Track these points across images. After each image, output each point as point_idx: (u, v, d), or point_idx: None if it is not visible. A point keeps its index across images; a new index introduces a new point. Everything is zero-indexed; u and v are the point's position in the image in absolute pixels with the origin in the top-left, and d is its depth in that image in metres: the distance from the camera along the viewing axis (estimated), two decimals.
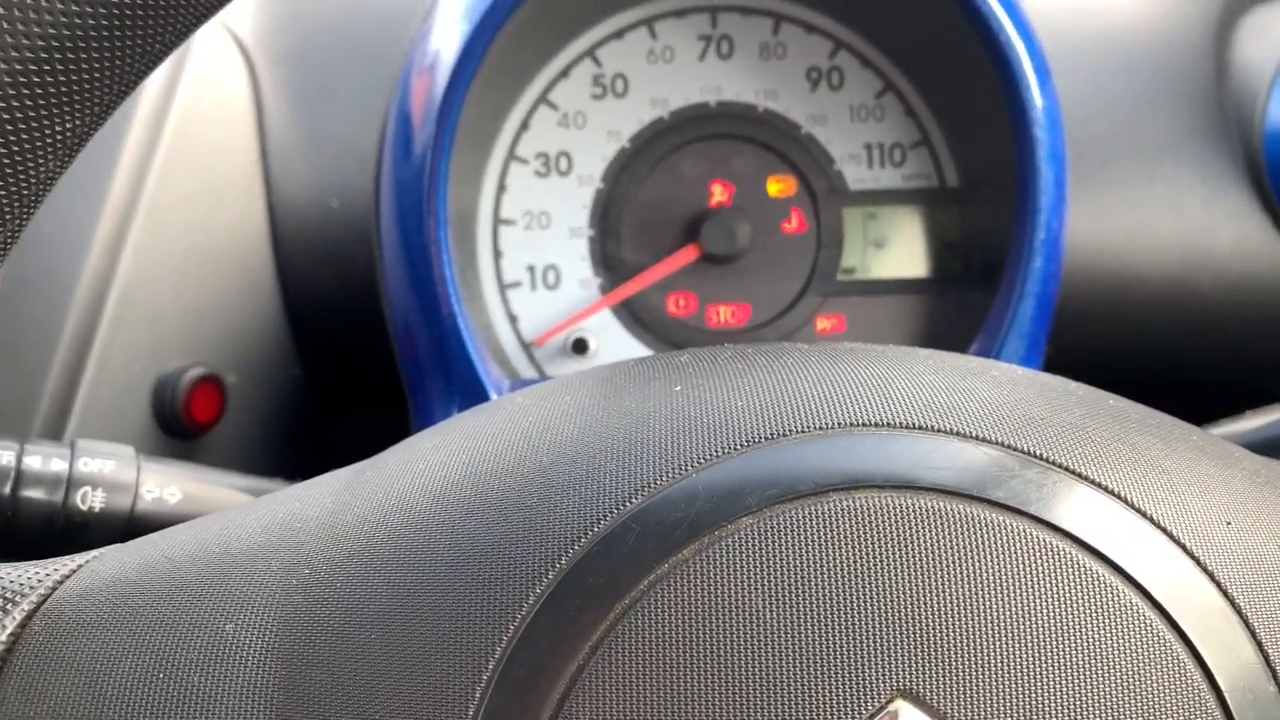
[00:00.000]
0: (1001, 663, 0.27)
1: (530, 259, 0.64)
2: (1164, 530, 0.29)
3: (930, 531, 0.28)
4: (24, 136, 0.29)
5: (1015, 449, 0.30)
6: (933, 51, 0.63)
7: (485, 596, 0.28)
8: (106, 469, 0.49)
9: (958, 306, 0.64)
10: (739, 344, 0.36)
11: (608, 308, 0.64)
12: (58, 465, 0.48)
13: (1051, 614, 0.27)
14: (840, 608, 0.27)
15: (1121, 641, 0.27)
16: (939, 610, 0.27)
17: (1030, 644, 0.27)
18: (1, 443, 0.48)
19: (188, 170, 0.68)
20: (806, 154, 0.65)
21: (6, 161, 0.29)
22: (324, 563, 0.30)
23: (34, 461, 0.48)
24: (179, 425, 0.65)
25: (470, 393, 0.59)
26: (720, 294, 0.65)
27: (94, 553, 0.34)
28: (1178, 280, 0.71)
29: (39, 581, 0.32)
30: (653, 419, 0.31)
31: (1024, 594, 0.27)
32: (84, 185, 0.64)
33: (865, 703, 0.27)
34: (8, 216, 0.30)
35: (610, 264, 0.65)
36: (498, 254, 0.64)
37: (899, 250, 0.65)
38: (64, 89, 0.29)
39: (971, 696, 0.27)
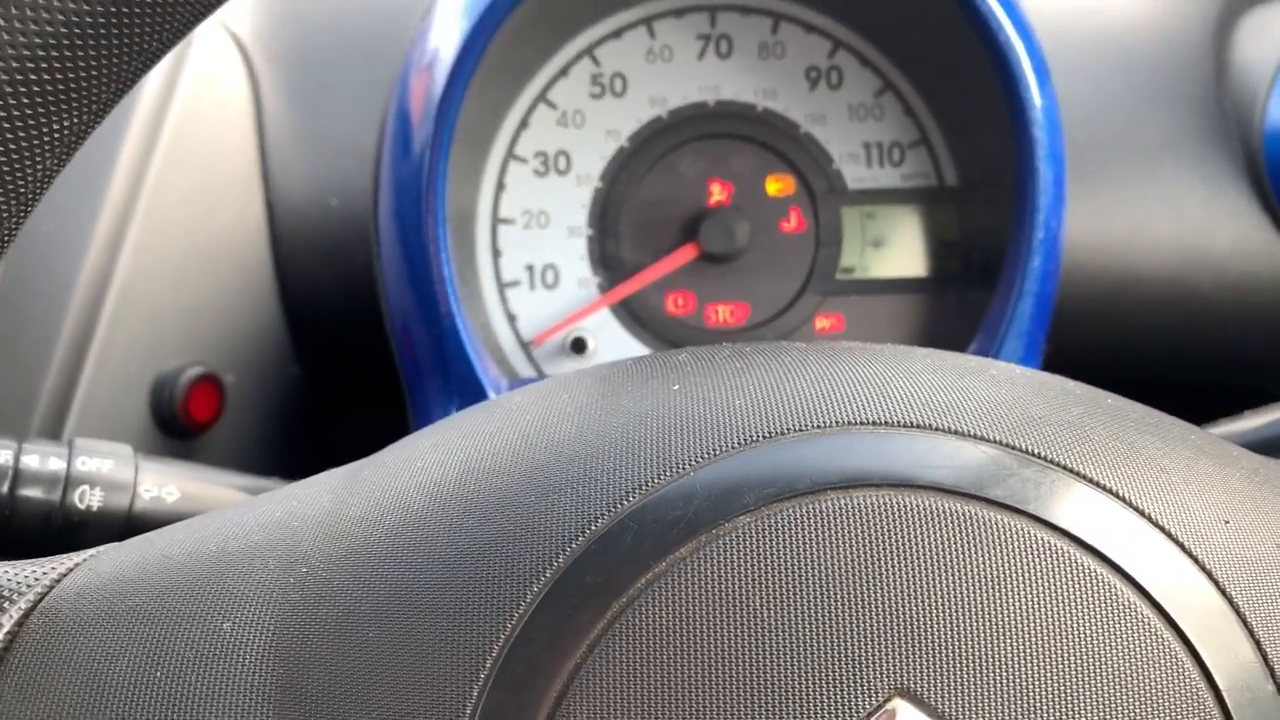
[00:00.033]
0: (999, 662, 0.27)
1: (529, 258, 0.64)
2: (1162, 529, 0.29)
3: (928, 530, 0.28)
4: (21, 134, 0.29)
5: (1013, 448, 0.30)
6: (932, 51, 0.63)
7: (483, 595, 0.28)
8: (104, 468, 0.49)
9: (956, 306, 0.64)
10: (737, 343, 0.36)
11: (606, 307, 0.64)
12: (55, 464, 0.48)
13: (1049, 613, 0.27)
14: (838, 606, 0.27)
15: (1119, 640, 0.27)
16: (937, 609, 0.27)
17: (1028, 643, 0.27)
18: None
19: (186, 169, 0.68)
20: (805, 153, 0.65)
21: (4, 159, 0.29)
22: (321, 561, 0.30)
23: (32, 460, 0.48)
24: (177, 424, 0.65)
25: (469, 392, 0.59)
26: (719, 293, 0.65)
27: (91, 551, 0.34)
28: (1177, 280, 0.71)
29: (36, 580, 0.32)
30: (650, 418, 0.31)
31: (1022, 593, 0.27)
32: (83, 184, 0.64)
33: (863, 701, 0.27)
34: (5, 214, 0.30)
35: (609, 263, 0.65)
36: (496, 253, 0.64)
37: (898, 249, 0.65)
38: (61, 86, 0.29)
39: (969, 695, 0.27)
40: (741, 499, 0.28)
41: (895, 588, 0.27)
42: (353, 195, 0.71)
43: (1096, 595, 0.28)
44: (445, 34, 0.59)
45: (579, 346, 0.64)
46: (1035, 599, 0.27)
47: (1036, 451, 0.30)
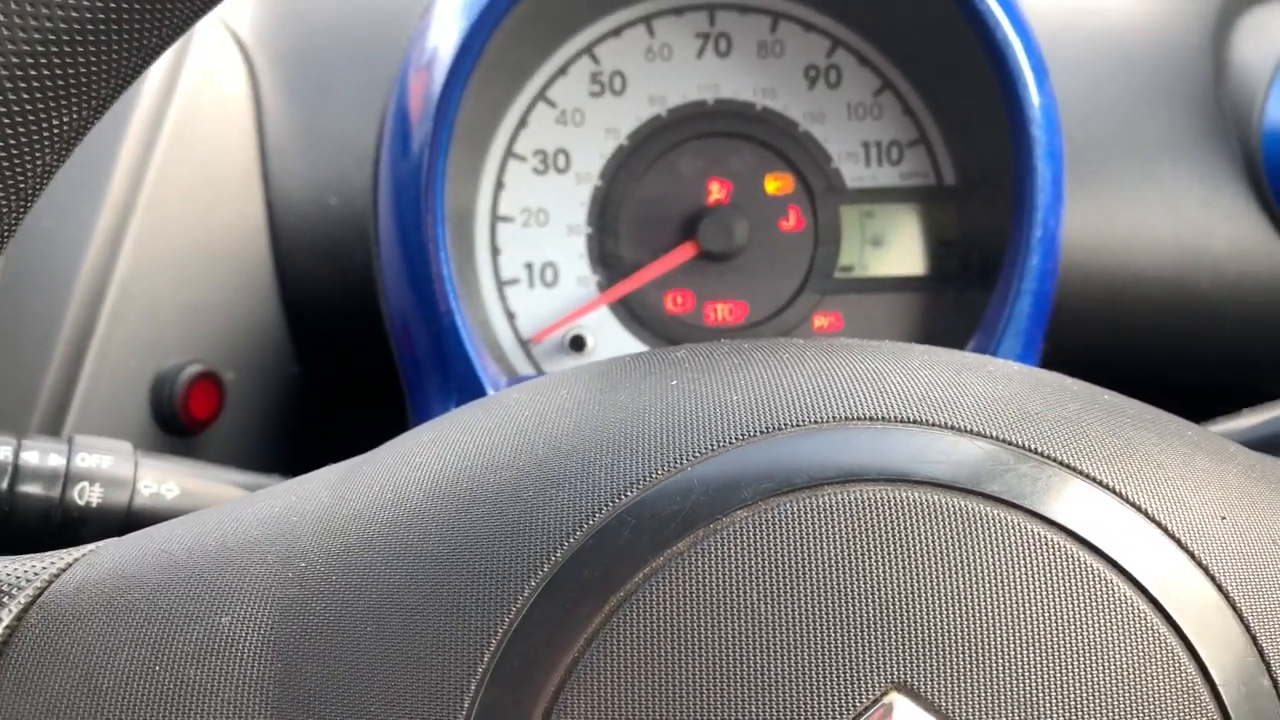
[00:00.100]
0: (996, 656, 0.27)
1: (528, 256, 0.64)
2: (1159, 524, 0.29)
3: (925, 525, 0.28)
4: (21, 130, 0.29)
5: (1010, 443, 0.30)
6: (931, 50, 0.63)
7: (480, 589, 0.28)
8: (104, 464, 0.49)
9: (955, 305, 0.64)
10: (735, 339, 0.36)
11: (605, 305, 0.65)
12: (55, 460, 0.48)
13: (1046, 608, 0.27)
14: (835, 601, 0.27)
15: (1116, 635, 0.27)
16: (934, 604, 0.27)
17: (1025, 638, 0.27)
18: None
19: (187, 167, 0.68)
20: (804, 152, 0.65)
21: (3, 155, 0.29)
22: (320, 556, 0.30)
23: (31, 456, 0.48)
24: (177, 422, 0.65)
25: (468, 390, 0.59)
26: (718, 291, 0.65)
27: (90, 546, 0.34)
28: (1175, 279, 0.71)
29: (35, 575, 0.32)
30: (648, 413, 0.31)
31: (1019, 588, 0.28)
32: (83, 181, 0.64)
33: (860, 696, 0.27)
34: (5, 210, 0.30)
35: (608, 261, 0.65)
36: (495, 251, 0.64)
37: (896, 248, 0.65)
38: (61, 81, 0.29)
39: (966, 690, 0.27)
40: (739, 494, 0.28)
41: (892, 582, 0.27)
42: (352, 194, 0.71)
43: (1093, 590, 0.28)
44: (444, 33, 0.59)
45: (578, 344, 0.64)
46: (1032, 594, 0.27)
47: (1033, 447, 0.30)
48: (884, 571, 0.27)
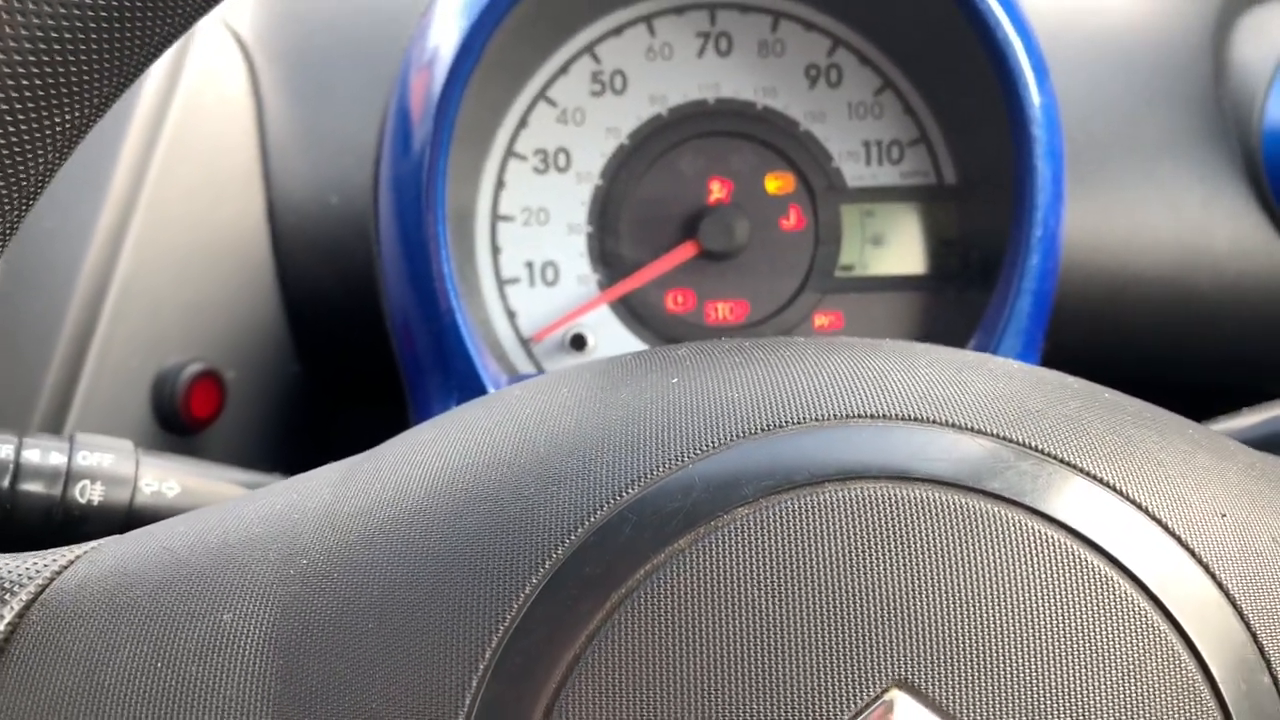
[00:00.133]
0: (997, 653, 0.27)
1: (529, 255, 0.64)
2: (1159, 522, 0.29)
3: (926, 522, 0.28)
4: (23, 128, 0.29)
5: (1011, 441, 0.30)
6: (931, 49, 0.63)
7: (482, 586, 0.28)
8: (105, 463, 0.49)
9: (955, 304, 0.64)
10: (736, 337, 0.36)
11: (606, 304, 0.65)
12: (56, 459, 0.48)
13: (1047, 605, 0.27)
14: (836, 598, 0.27)
15: (1116, 633, 0.27)
16: (935, 601, 0.27)
17: (1025, 634, 0.27)
18: (0, 436, 0.48)
19: (188, 166, 0.68)
20: (805, 151, 0.65)
21: (5, 154, 0.29)
22: (321, 553, 0.30)
23: (33, 455, 0.48)
24: (178, 421, 0.66)
25: (469, 388, 0.59)
26: (718, 290, 0.65)
27: (92, 544, 0.34)
28: (1175, 279, 0.71)
29: (37, 572, 0.32)
30: (649, 410, 0.31)
31: (1019, 585, 0.28)
32: (85, 180, 0.64)
33: (861, 692, 0.27)
34: (6, 208, 0.30)
35: (609, 260, 0.65)
36: (496, 250, 0.64)
37: (897, 247, 0.65)
38: (63, 80, 0.29)
39: (967, 686, 0.27)
40: (740, 491, 0.28)
41: (893, 580, 0.27)
42: (353, 193, 0.71)
43: (1093, 588, 0.28)
44: (445, 32, 0.59)
45: (579, 343, 0.64)
46: (1032, 591, 0.28)
47: (1034, 444, 0.30)
48: (885, 569, 0.27)
